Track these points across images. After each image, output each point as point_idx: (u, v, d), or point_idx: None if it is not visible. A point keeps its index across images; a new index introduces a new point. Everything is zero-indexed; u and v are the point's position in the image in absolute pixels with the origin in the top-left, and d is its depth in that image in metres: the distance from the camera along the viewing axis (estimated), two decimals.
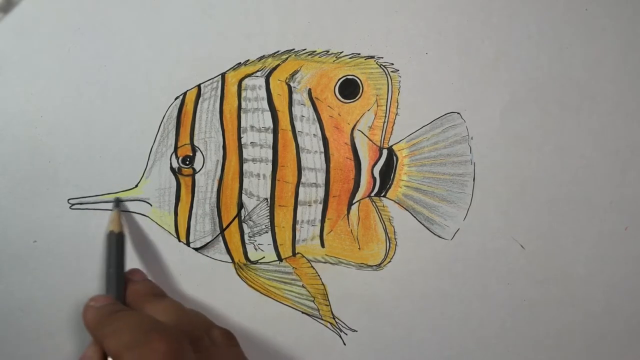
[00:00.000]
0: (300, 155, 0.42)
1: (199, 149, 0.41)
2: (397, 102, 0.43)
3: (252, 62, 0.42)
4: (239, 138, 0.42)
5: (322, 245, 0.43)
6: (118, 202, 0.41)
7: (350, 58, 0.42)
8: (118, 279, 0.38)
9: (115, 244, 0.39)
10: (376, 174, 0.43)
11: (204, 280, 0.42)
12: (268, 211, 0.42)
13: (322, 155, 0.43)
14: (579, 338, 0.46)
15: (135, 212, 0.41)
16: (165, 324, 0.34)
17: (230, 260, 0.43)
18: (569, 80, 0.44)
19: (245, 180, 0.42)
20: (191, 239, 0.42)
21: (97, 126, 0.40)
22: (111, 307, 0.36)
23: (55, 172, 0.40)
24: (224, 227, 0.42)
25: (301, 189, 0.42)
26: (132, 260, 0.41)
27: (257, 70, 0.42)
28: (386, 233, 0.44)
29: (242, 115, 0.42)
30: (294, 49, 0.42)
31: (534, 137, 0.44)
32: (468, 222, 0.44)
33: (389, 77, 0.43)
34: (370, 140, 0.43)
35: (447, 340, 0.45)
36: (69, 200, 0.40)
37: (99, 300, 0.37)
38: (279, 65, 0.42)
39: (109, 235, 0.40)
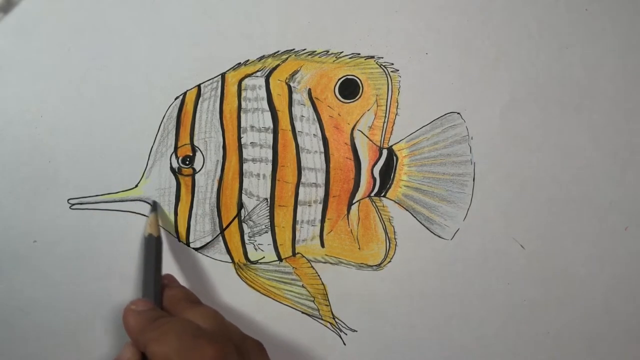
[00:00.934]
0: (300, 155, 0.42)
1: (199, 149, 0.41)
2: (397, 102, 0.43)
3: (252, 62, 0.42)
4: (239, 138, 0.42)
5: (322, 245, 0.43)
6: (155, 205, 0.41)
7: (350, 58, 0.42)
8: (156, 283, 0.38)
9: (155, 248, 0.39)
10: (376, 174, 0.43)
11: (204, 280, 0.42)
12: (268, 211, 0.42)
13: (322, 155, 0.43)
14: (579, 338, 0.46)
15: (135, 212, 0.41)
16: (208, 330, 0.35)
17: (230, 260, 0.43)
18: (569, 80, 0.44)
19: (245, 180, 0.42)
20: (191, 239, 0.42)
21: (97, 126, 0.40)
22: (154, 313, 0.36)
23: (55, 172, 0.40)
24: (224, 227, 0.42)
25: (301, 189, 0.42)
26: (132, 262, 0.41)
27: (257, 70, 0.42)
28: (386, 233, 0.44)
29: (242, 115, 0.42)
30: (294, 49, 0.42)
31: (534, 137, 0.44)
32: (468, 222, 0.44)
33: (389, 77, 0.43)
34: (370, 140, 0.43)
35: (447, 340, 0.45)
36: (69, 200, 0.40)
37: (139, 304, 0.37)
38: (279, 65, 0.42)
39: (147, 239, 0.39)
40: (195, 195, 0.42)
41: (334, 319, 0.44)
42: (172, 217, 0.42)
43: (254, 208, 0.42)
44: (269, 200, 0.42)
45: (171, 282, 0.40)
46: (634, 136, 0.45)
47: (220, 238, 0.42)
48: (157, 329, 0.34)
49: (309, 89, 0.42)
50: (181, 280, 0.42)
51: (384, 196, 0.44)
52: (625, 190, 0.45)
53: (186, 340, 0.33)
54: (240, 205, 0.42)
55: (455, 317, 0.45)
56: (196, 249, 0.42)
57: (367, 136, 0.43)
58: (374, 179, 0.43)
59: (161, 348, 0.33)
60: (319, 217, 0.43)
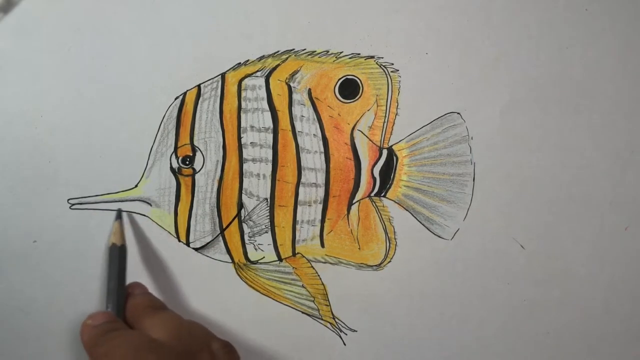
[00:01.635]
0: (300, 155, 0.42)
1: (199, 149, 0.41)
2: (397, 102, 0.43)
3: (252, 62, 0.42)
4: (239, 138, 0.42)
5: (322, 245, 0.43)
6: (120, 214, 0.40)
7: (350, 58, 0.42)
8: (119, 293, 0.38)
9: (118, 257, 0.39)
10: (376, 174, 0.43)
11: (204, 280, 0.42)
12: (268, 211, 0.42)
13: (322, 155, 0.43)
14: (579, 338, 0.46)
15: (135, 212, 0.41)
16: (161, 342, 0.35)
17: (230, 260, 0.43)
18: (569, 80, 0.44)
19: (245, 180, 0.42)
20: (191, 239, 0.42)
21: (97, 126, 0.40)
22: (107, 326, 0.36)
23: (55, 172, 0.40)
24: (224, 227, 0.42)
25: (301, 189, 0.42)
26: (131, 261, 0.41)
27: (257, 70, 0.42)
28: (386, 233, 0.44)
29: (242, 115, 0.42)
30: (294, 49, 0.42)
31: (534, 137, 0.44)
32: (468, 222, 0.44)
33: (389, 77, 0.43)
34: (370, 140, 0.43)
35: (447, 340, 0.45)
36: (69, 200, 0.40)
37: (97, 318, 0.37)
38: (279, 65, 0.42)
39: (110, 248, 0.39)
40: (195, 195, 0.42)
41: (334, 319, 0.44)
42: (172, 217, 0.42)
43: (254, 208, 0.42)
44: (269, 200, 0.42)
45: (135, 290, 0.40)
46: (634, 136, 0.45)
47: (220, 238, 0.42)
48: (106, 343, 0.34)
49: (309, 89, 0.42)
50: (181, 280, 0.42)
51: (384, 196, 0.44)
52: (625, 190, 0.45)
53: (133, 354, 0.33)
54: (240, 205, 0.42)
55: (455, 317, 0.45)
56: (196, 249, 0.42)
57: (367, 136, 0.43)
58: (374, 179, 0.43)
59: None
60: (319, 217, 0.43)
